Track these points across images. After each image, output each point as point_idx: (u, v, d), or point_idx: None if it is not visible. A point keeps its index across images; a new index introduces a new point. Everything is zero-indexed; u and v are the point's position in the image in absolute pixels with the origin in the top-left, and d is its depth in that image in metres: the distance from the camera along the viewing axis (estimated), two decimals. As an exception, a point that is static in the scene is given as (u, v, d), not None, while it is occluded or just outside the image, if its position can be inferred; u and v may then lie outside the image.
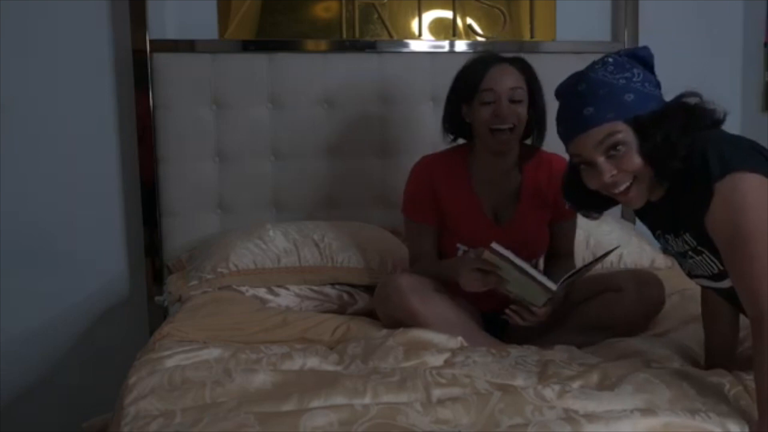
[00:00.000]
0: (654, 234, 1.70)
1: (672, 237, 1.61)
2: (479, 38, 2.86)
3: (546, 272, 2.08)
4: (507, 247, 1.89)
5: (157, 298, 2.50)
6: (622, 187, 1.55)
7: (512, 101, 2.03)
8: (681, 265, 1.69)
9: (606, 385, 1.54)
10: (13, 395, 2.69)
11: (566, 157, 1.80)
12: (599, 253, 2.16)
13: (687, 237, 1.57)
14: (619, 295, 1.97)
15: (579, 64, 2.79)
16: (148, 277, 2.64)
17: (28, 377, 2.69)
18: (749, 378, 1.53)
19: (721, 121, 1.57)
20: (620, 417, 1.38)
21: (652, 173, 1.54)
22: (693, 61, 2.99)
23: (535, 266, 2.09)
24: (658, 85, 1.59)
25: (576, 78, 1.61)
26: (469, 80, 2.07)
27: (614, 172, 1.53)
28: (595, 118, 1.52)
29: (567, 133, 1.58)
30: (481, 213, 2.12)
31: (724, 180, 1.44)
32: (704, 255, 1.55)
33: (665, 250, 1.71)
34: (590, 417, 1.38)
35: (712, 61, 3.00)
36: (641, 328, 2.02)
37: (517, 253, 1.95)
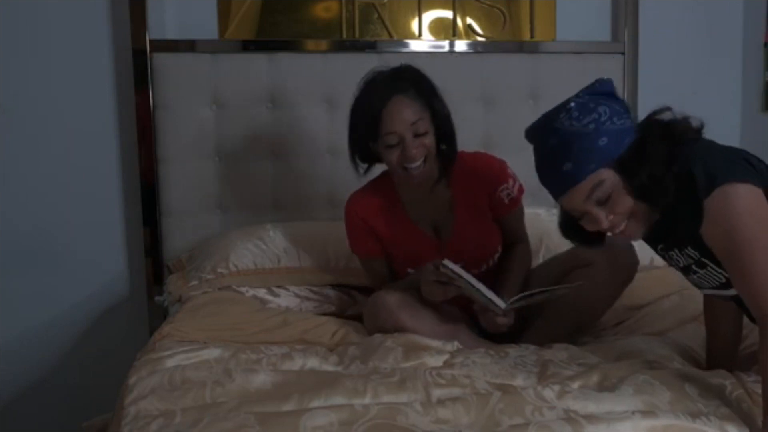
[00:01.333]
0: (656, 250, 1.69)
1: (676, 252, 1.61)
2: (479, 38, 2.86)
3: (501, 266, 2.10)
4: (456, 260, 1.92)
5: (157, 298, 2.50)
6: (620, 228, 1.54)
7: (417, 135, 1.94)
8: (687, 279, 1.68)
9: (606, 386, 1.54)
10: (13, 395, 2.69)
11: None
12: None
13: (689, 251, 1.57)
14: (590, 270, 1.96)
15: (579, 64, 2.85)
16: (148, 277, 2.64)
17: (28, 377, 2.69)
18: (751, 380, 1.54)
19: (700, 130, 1.55)
20: (621, 418, 1.38)
21: (645, 207, 1.52)
22: (693, 61, 3.00)
23: (488, 268, 2.09)
24: (626, 111, 1.54)
25: (544, 130, 1.56)
26: (368, 122, 1.96)
27: (610, 216, 1.51)
28: (577, 174, 1.49)
29: (552, 191, 1.56)
30: (421, 237, 2.09)
31: (713, 195, 1.44)
32: (708, 267, 1.55)
33: (670, 265, 1.70)
34: (590, 418, 1.38)
35: (712, 61, 3.00)
36: (619, 294, 2.04)
37: (468, 263, 1.99)
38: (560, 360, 1.73)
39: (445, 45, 2.80)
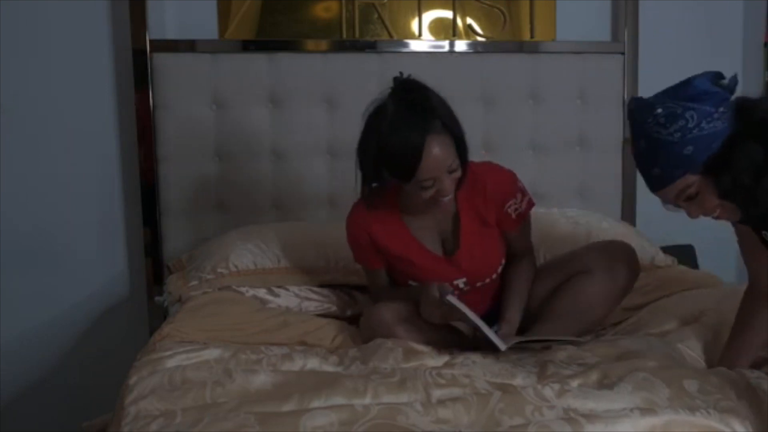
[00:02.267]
0: (761, 235, 1.65)
1: None
2: (479, 38, 2.86)
3: (505, 282, 2.07)
4: (460, 275, 1.96)
5: (157, 298, 2.50)
6: (713, 216, 1.58)
7: (450, 172, 1.89)
8: None
9: (605, 384, 1.55)
10: (13, 395, 2.69)
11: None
12: None
13: None
14: (590, 277, 1.97)
15: (579, 64, 2.84)
16: (148, 277, 2.64)
17: (28, 377, 2.70)
18: (754, 376, 1.54)
19: None
20: (620, 416, 1.38)
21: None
22: (693, 61, 2.97)
23: (491, 280, 2.07)
24: (720, 105, 1.49)
25: (635, 130, 1.56)
26: (403, 166, 1.86)
27: (699, 212, 1.56)
28: (664, 179, 1.53)
29: (648, 185, 1.60)
30: (425, 253, 2.04)
31: None
32: None
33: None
34: (590, 417, 1.38)
35: (712, 61, 2.96)
36: (619, 302, 2.05)
37: (472, 277, 2.00)
38: (559, 360, 1.73)
39: (445, 45, 2.80)
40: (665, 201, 1.59)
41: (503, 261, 2.09)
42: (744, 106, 1.52)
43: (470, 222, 2.03)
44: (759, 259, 1.72)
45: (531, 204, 2.08)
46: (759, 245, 1.66)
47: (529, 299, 2.04)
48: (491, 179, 2.03)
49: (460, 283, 2.03)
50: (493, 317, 2.05)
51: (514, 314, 1.98)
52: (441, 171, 1.87)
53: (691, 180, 1.51)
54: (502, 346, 1.79)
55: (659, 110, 1.50)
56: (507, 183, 2.05)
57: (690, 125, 1.48)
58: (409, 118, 1.88)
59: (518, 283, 2.07)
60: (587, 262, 2.00)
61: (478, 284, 2.04)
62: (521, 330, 2.01)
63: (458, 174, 1.91)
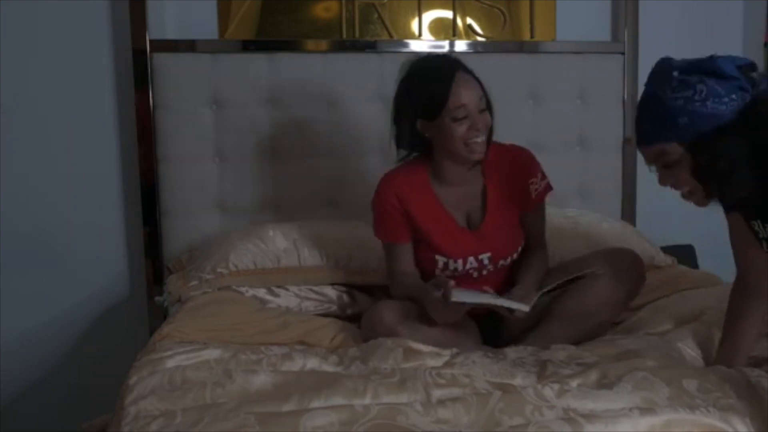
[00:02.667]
0: (749, 225, 1.67)
1: (759, 223, 1.61)
2: (479, 38, 2.86)
3: (518, 267, 2.10)
4: (484, 250, 1.99)
5: (157, 298, 2.50)
6: (683, 192, 1.59)
7: (480, 111, 1.98)
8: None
9: (604, 384, 1.55)
10: (13, 395, 2.69)
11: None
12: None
13: None
14: (596, 281, 1.97)
15: (579, 64, 2.84)
16: (148, 277, 2.64)
17: (28, 377, 2.69)
18: (754, 374, 1.54)
19: None
20: (620, 416, 1.38)
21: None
22: (693, 61, 2.99)
23: (509, 264, 2.10)
24: (735, 92, 1.50)
25: (651, 76, 1.61)
26: (433, 96, 1.96)
27: (671, 180, 1.57)
28: (648, 137, 1.56)
29: (635, 135, 1.62)
30: (453, 224, 2.08)
31: None
32: None
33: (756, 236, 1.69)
34: (590, 417, 1.38)
35: (712, 61, 3.00)
36: (624, 307, 2.07)
37: (496, 254, 2.03)
38: (559, 359, 1.73)
39: (445, 45, 2.80)
40: (644, 158, 1.60)
41: (523, 242, 2.12)
42: (757, 103, 1.51)
43: (497, 197, 2.08)
44: (748, 253, 1.73)
45: (549, 187, 2.14)
46: (749, 238, 1.67)
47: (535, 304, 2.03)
48: (517, 154, 2.12)
49: (485, 258, 2.05)
50: (499, 317, 2.06)
51: (528, 282, 2.01)
52: (472, 101, 1.95)
53: (674, 149, 1.52)
54: (525, 307, 1.82)
55: (675, 73, 1.54)
56: (530, 159, 2.13)
57: (696, 98, 1.49)
58: (436, 59, 2.08)
59: (531, 266, 2.10)
60: (594, 266, 2.00)
61: (500, 263, 2.05)
62: (524, 333, 2.02)
63: (488, 119, 1.99)
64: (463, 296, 1.86)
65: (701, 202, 1.59)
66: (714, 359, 1.76)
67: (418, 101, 2.01)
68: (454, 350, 1.83)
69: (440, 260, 2.06)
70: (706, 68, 1.52)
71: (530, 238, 2.14)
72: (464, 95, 1.95)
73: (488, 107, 2.03)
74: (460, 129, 1.96)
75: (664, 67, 1.58)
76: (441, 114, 1.96)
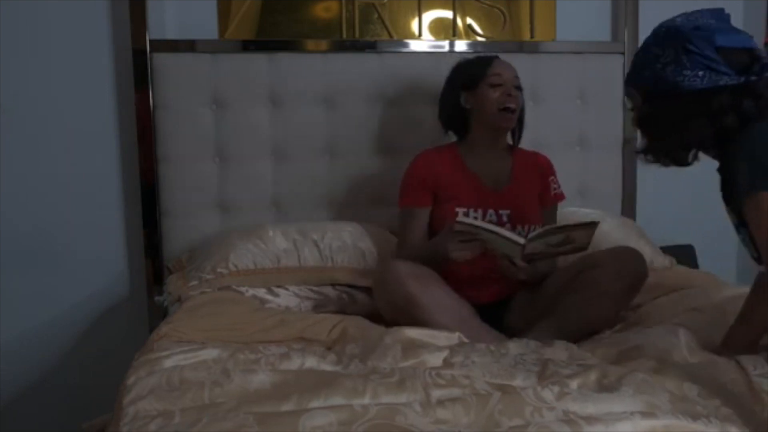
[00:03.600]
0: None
1: (727, 208, 1.68)
2: (479, 38, 2.86)
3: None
4: (505, 208, 2.19)
5: (157, 298, 2.50)
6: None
7: (516, 87, 2.29)
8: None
9: (605, 386, 1.54)
10: (13, 395, 2.69)
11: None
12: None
13: (731, 212, 1.65)
14: (597, 272, 2.02)
15: (579, 64, 2.84)
16: (148, 277, 2.64)
17: (28, 377, 2.69)
18: (756, 373, 1.53)
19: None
20: (620, 419, 1.38)
21: None
22: (693, 61, 2.99)
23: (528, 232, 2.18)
24: (700, 67, 1.59)
25: (656, 29, 1.72)
26: (475, 68, 2.31)
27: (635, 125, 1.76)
28: (627, 77, 1.77)
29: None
30: (478, 182, 2.29)
31: (749, 197, 1.51)
32: (746, 235, 1.62)
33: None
34: (589, 419, 1.38)
35: (712, 61, 3.00)
36: (626, 301, 2.08)
37: (515, 217, 2.20)
38: (560, 359, 1.72)
39: (445, 45, 2.80)
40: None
41: (538, 222, 2.24)
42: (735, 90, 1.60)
43: (522, 175, 2.35)
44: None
45: (562, 195, 2.43)
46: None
47: (540, 294, 2.15)
48: (541, 156, 2.45)
49: (504, 215, 2.22)
50: (503, 306, 2.08)
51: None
52: (509, 75, 2.29)
53: (635, 96, 1.72)
54: (521, 240, 1.94)
55: (662, 30, 1.67)
56: (551, 164, 2.44)
57: (660, 60, 1.64)
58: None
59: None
60: (595, 259, 2.07)
61: (518, 228, 2.18)
62: (526, 326, 2.02)
63: (521, 98, 2.32)
64: (469, 219, 2.07)
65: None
66: (725, 338, 1.77)
67: (462, 75, 2.35)
68: (455, 339, 1.83)
69: (460, 210, 2.20)
70: (687, 38, 1.60)
71: None
72: (501, 68, 2.30)
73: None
74: (495, 94, 2.26)
75: (667, 21, 1.69)
76: (480, 83, 2.28)
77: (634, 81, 1.73)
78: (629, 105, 1.78)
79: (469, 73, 2.33)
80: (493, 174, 2.32)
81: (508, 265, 2.03)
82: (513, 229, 2.17)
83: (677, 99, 1.62)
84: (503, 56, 2.79)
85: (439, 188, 2.27)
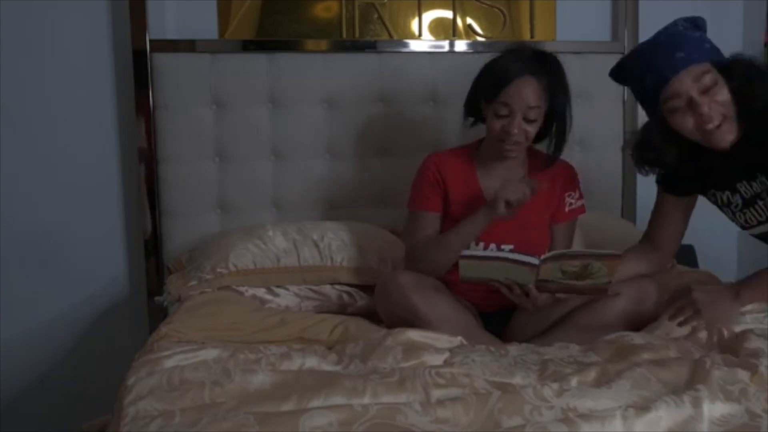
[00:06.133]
0: (708, 196, 1.92)
1: (745, 184, 1.80)
2: (479, 38, 2.86)
3: None
4: (510, 241, 2.02)
5: (157, 298, 2.50)
6: (716, 122, 1.73)
7: (526, 120, 2.05)
8: (736, 219, 1.90)
9: (604, 382, 1.54)
10: (13, 395, 2.69)
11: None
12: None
13: (763, 179, 1.75)
14: (616, 300, 1.94)
15: (579, 64, 2.84)
16: (149, 277, 2.64)
17: (28, 377, 2.70)
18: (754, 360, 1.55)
19: None
20: (617, 415, 1.38)
21: (735, 113, 1.75)
22: (693, 61, 2.99)
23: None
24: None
25: (653, 37, 1.85)
26: (491, 85, 2.07)
27: (710, 106, 1.72)
28: (688, 60, 1.75)
29: (659, 79, 1.77)
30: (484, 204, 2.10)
31: None
32: None
33: (720, 207, 1.95)
34: (588, 416, 1.38)
35: (712, 61, 3.00)
36: (638, 327, 1.99)
37: (519, 246, 2.03)
38: (560, 358, 1.72)
39: (445, 45, 2.80)
40: (678, 90, 1.74)
41: (547, 250, 2.11)
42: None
43: (535, 199, 2.06)
44: (667, 227, 2.07)
45: (582, 209, 2.23)
46: (676, 216, 2.04)
47: (550, 312, 2.02)
48: (562, 166, 2.21)
49: (506, 249, 2.07)
50: (504, 317, 2.06)
51: None
52: (519, 104, 2.03)
53: (708, 68, 1.74)
54: (536, 261, 1.82)
55: (680, 22, 1.87)
56: (574, 175, 2.22)
57: (705, 37, 1.84)
58: (520, 54, 2.10)
59: None
60: (617, 287, 1.94)
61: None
62: (528, 338, 2.00)
63: (531, 130, 2.07)
64: (473, 251, 1.96)
65: (730, 132, 1.76)
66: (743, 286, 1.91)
67: (482, 82, 2.13)
68: (456, 341, 1.83)
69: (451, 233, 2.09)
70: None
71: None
72: (513, 96, 2.03)
73: (555, 113, 2.10)
74: (496, 124, 2.06)
75: (667, 26, 1.87)
76: (492, 102, 2.06)
77: (703, 56, 1.77)
78: (698, 87, 1.74)
79: (487, 85, 2.10)
80: None
81: (521, 294, 1.91)
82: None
83: (738, 60, 1.77)
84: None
85: (447, 201, 2.17)
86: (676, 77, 1.74)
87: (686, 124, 1.77)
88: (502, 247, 2.09)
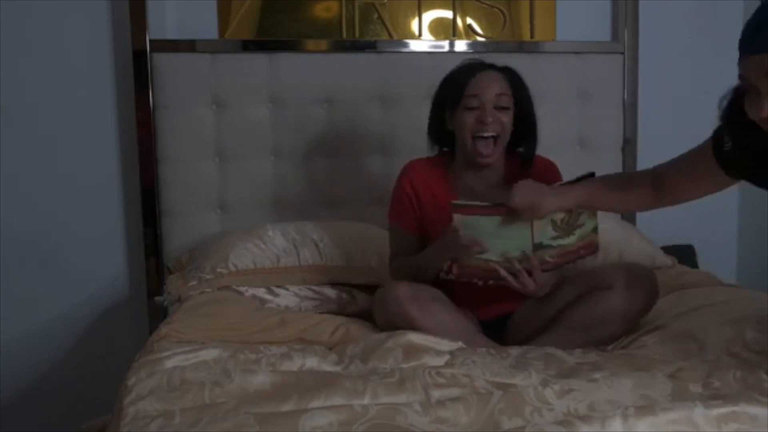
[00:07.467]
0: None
1: None
2: (479, 38, 2.86)
3: None
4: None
5: (157, 298, 2.50)
6: None
7: (497, 108, 2.02)
8: None
9: (605, 383, 1.54)
10: (13, 395, 2.69)
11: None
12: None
13: None
14: (609, 293, 1.92)
15: (579, 64, 2.84)
16: (149, 277, 2.64)
17: (28, 377, 2.70)
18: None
19: None
20: (618, 415, 1.37)
21: None
22: (693, 60, 3.00)
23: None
24: None
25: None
26: (455, 86, 2.06)
27: None
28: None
29: (742, 46, 1.49)
30: None
31: None
32: None
33: None
34: (588, 417, 1.38)
35: (712, 61, 2.99)
36: (634, 323, 1.98)
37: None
38: (560, 358, 1.72)
39: (445, 45, 2.80)
40: (748, 74, 1.46)
41: None
42: None
43: None
44: (690, 182, 1.77)
45: None
46: (705, 181, 1.73)
47: (546, 307, 2.00)
48: (540, 163, 2.15)
49: None
50: (503, 324, 2.06)
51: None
52: (488, 95, 2.01)
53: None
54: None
55: None
56: (554, 169, 2.16)
57: None
58: (476, 61, 2.11)
59: None
60: (609, 279, 1.94)
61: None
62: (527, 341, 1.98)
63: (505, 119, 2.03)
64: (462, 201, 1.88)
65: None
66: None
67: (444, 93, 2.10)
68: (457, 345, 1.82)
69: (428, 250, 2.06)
70: None
71: None
72: (480, 87, 2.02)
73: (521, 113, 2.07)
74: (469, 119, 2.02)
75: None
76: (460, 103, 2.03)
77: None
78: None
79: (449, 90, 2.08)
80: None
81: (521, 271, 1.87)
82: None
83: None
84: (503, 57, 2.81)
85: (425, 219, 2.13)
86: (750, 59, 1.47)
87: (751, 112, 1.50)
88: None
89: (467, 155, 2.07)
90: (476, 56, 2.78)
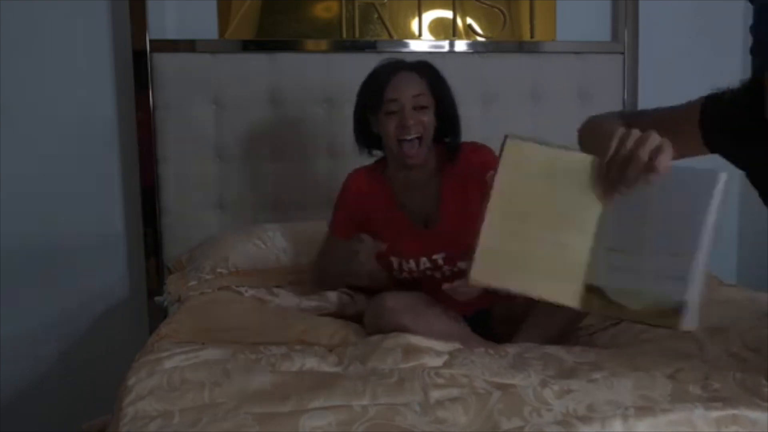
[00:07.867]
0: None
1: None
2: (479, 38, 2.86)
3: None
4: (438, 251, 2.00)
5: (157, 298, 2.50)
6: None
7: (416, 108, 2.02)
8: None
9: (605, 383, 1.54)
10: (13, 395, 2.70)
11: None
12: None
13: None
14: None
15: (579, 64, 2.84)
16: (149, 277, 2.64)
17: (28, 377, 2.70)
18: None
19: None
20: (618, 415, 1.38)
21: None
22: (693, 61, 3.00)
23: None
24: None
25: None
26: (374, 91, 2.06)
27: None
28: None
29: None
30: (406, 224, 2.10)
31: None
32: None
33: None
34: (588, 418, 1.38)
35: (712, 61, 3.00)
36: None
37: (450, 255, 2.00)
38: (560, 358, 1.72)
39: (445, 45, 2.80)
40: None
41: None
42: None
43: (452, 197, 2.07)
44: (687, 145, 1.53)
45: None
46: (681, 140, 1.43)
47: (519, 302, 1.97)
48: (472, 153, 2.10)
49: (439, 259, 2.05)
50: (483, 317, 2.05)
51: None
52: (405, 97, 2.01)
53: None
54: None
55: None
56: (487, 154, 2.06)
57: None
58: (391, 61, 2.10)
59: None
60: None
61: (460, 264, 2.00)
62: (513, 331, 1.98)
63: (426, 119, 2.03)
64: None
65: None
66: None
67: (364, 97, 2.11)
68: (456, 346, 1.83)
69: (394, 261, 2.09)
70: None
71: None
72: (398, 90, 2.02)
73: (442, 107, 2.07)
74: (391, 124, 2.03)
75: None
76: (381, 107, 2.04)
77: None
78: None
79: (369, 96, 2.08)
80: (419, 208, 2.11)
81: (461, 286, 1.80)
82: (452, 267, 2.02)
83: None
84: (503, 57, 2.82)
85: (366, 224, 2.13)
86: None
87: None
88: (434, 257, 2.05)
89: (396, 158, 2.09)
90: (476, 56, 2.81)
